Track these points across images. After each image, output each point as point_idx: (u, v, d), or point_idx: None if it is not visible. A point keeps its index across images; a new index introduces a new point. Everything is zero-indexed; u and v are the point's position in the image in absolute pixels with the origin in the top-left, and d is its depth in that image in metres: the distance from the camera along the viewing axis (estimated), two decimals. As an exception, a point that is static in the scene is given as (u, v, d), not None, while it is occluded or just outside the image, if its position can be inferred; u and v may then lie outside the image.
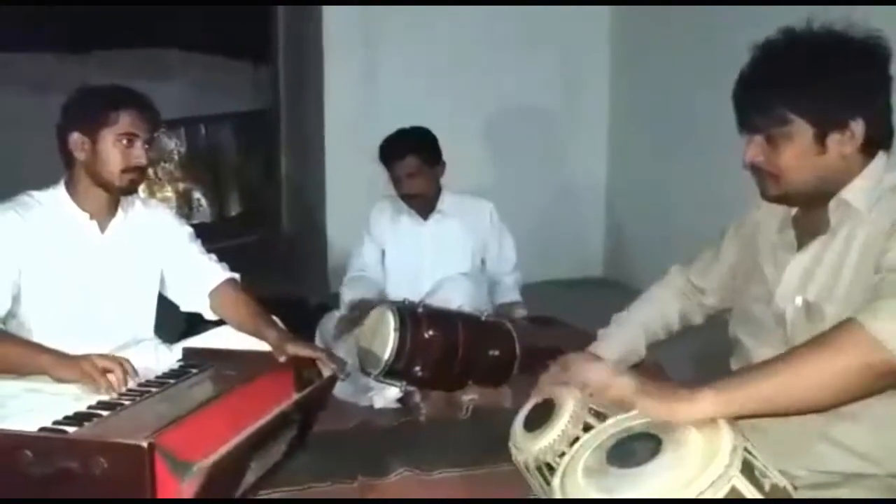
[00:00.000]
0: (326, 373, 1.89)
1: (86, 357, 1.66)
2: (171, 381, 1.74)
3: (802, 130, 1.16)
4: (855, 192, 1.18)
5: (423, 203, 2.81)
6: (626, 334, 1.54)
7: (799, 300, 1.22)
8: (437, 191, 2.84)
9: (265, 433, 1.55)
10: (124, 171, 1.86)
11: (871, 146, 1.18)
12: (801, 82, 1.16)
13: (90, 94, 1.92)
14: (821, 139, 1.16)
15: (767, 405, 1.03)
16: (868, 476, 1.15)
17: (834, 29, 1.18)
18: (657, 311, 1.56)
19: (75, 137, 1.85)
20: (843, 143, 1.16)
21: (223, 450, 1.39)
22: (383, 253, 2.90)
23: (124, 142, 1.84)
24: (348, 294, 2.78)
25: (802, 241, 1.26)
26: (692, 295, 1.55)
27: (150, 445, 1.27)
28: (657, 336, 1.56)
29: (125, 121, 1.85)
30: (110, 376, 1.63)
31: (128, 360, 1.70)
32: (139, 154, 1.87)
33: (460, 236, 2.83)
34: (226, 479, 1.45)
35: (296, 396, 1.72)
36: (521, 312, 2.78)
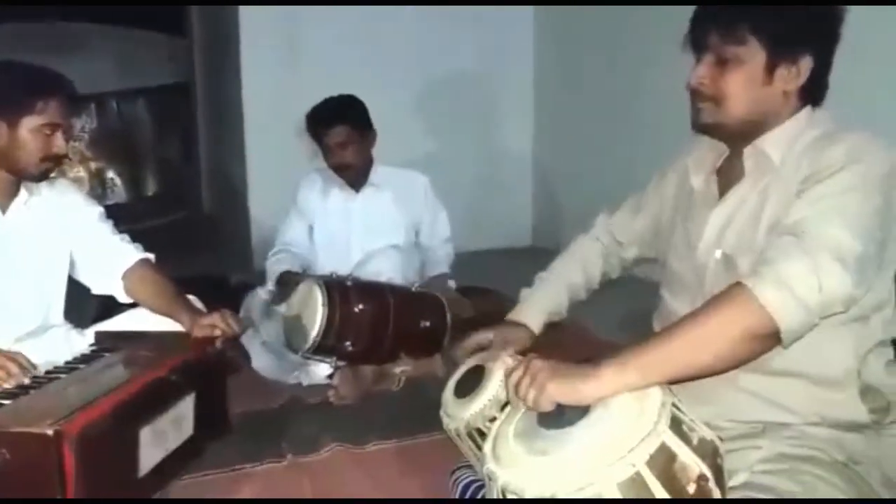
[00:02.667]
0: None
1: None
2: (81, 366, 1.66)
3: (755, 54, 1.17)
4: (771, 141, 1.20)
5: (354, 174, 2.74)
6: (548, 294, 1.55)
7: (718, 253, 1.24)
8: (369, 162, 2.77)
9: (139, 401, 1.48)
10: (43, 159, 1.76)
11: (808, 93, 1.21)
12: (762, 6, 1.17)
13: (10, 74, 1.77)
14: (770, 69, 1.18)
15: (666, 373, 1.03)
16: (786, 425, 1.18)
17: None
18: (579, 269, 1.58)
19: None
20: (789, 80, 1.18)
21: (90, 420, 1.31)
22: (311, 228, 2.83)
23: (47, 131, 1.74)
24: (273, 269, 2.70)
25: (724, 192, 1.27)
26: (612, 250, 1.57)
27: (57, 433, 1.20)
28: (579, 294, 1.58)
29: (51, 110, 1.74)
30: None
31: (20, 355, 1.60)
32: (60, 143, 1.77)
33: (392, 209, 2.77)
34: (109, 452, 1.38)
35: (170, 362, 1.66)
36: (449, 285, 2.76)
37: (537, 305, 1.54)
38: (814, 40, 1.18)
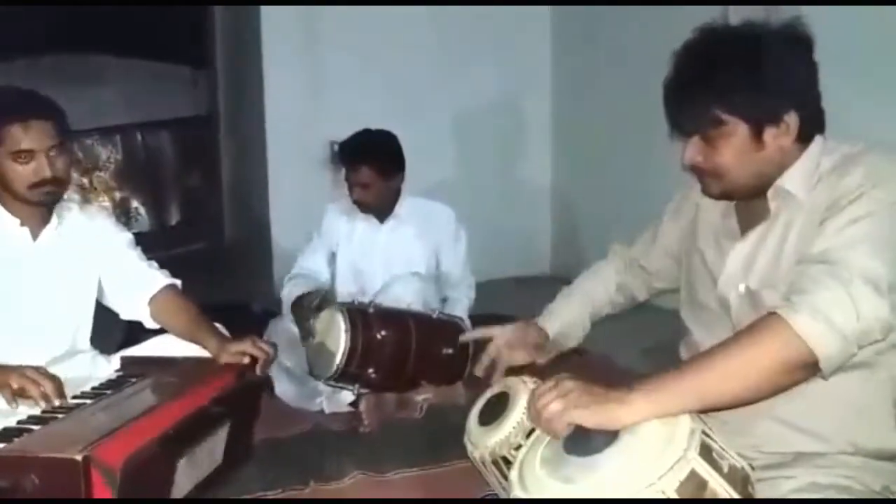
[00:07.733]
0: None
1: (17, 368, 1.57)
2: (108, 391, 1.66)
3: (738, 129, 1.15)
4: (793, 179, 1.18)
5: (375, 211, 2.75)
6: (570, 308, 1.55)
7: (742, 287, 1.22)
8: (395, 195, 2.76)
9: (182, 431, 1.48)
10: (31, 186, 1.73)
11: (807, 134, 1.18)
12: (729, 82, 1.14)
13: None
14: (757, 135, 1.15)
15: (697, 402, 1.02)
16: (818, 455, 1.16)
17: (753, 23, 1.17)
18: (600, 286, 1.58)
19: None
20: (780, 137, 1.16)
21: (136, 449, 1.32)
22: (334, 255, 2.83)
23: (21, 158, 1.69)
24: (288, 295, 2.68)
25: (744, 228, 1.26)
26: (636, 273, 1.56)
27: (86, 459, 1.21)
28: (602, 310, 1.57)
29: (15, 137, 1.68)
30: (32, 390, 1.54)
31: (57, 378, 1.59)
32: (41, 168, 1.71)
33: (415, 243, 2.77)
34: (148, 482, 1.38)
35: (213, 393, 1.65)
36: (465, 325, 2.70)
37: (555, 313, 1.55)
38: (790, 95, 1.15)
